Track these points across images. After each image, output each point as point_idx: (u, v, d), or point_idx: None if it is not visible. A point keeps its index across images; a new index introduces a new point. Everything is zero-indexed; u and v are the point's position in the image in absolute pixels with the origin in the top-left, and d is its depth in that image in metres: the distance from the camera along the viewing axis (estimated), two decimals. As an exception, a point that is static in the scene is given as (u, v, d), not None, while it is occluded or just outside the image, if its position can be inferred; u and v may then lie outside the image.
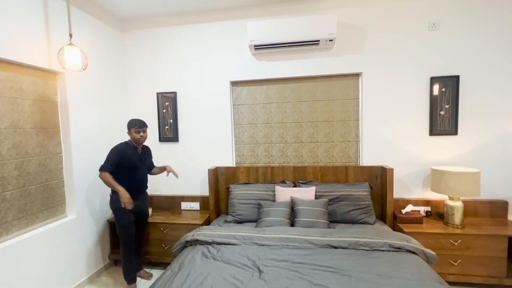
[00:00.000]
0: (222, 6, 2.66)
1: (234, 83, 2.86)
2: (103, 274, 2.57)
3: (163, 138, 2.95)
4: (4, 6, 1.75)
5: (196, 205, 2.89)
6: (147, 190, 2.48)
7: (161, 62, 2.90)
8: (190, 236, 2.05)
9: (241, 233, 2.03)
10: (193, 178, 2.93)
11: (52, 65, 2.07)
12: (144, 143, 2.37)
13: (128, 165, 2.21)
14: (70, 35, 1.97)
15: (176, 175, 2.48)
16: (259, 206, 2.49)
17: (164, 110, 2.92)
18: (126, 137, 2.95)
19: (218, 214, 2.80)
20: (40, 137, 2.07)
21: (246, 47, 2.70)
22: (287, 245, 1.89)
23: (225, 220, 2.56)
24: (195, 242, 2.02)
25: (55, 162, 2.20)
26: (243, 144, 2.90)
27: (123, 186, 2.12)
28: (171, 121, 2.92)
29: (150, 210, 2.73)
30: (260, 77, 2.74)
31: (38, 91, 2.05)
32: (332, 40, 2.44)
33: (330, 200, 2.43)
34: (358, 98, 2.67)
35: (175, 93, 2.88)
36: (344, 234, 1.93)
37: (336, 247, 1.82)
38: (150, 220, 2.59)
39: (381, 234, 1.95)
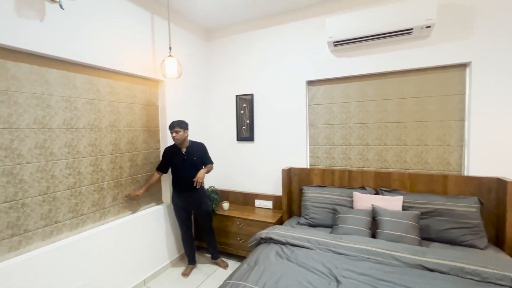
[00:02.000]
0: (300, 5, 2.63)
1: (310, 83, 2.79)
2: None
3: (240, 138, 3.14)
4: (124, 31, 2.18)
5: (269, 204, 2.96)
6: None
7: (240, 66, 3.09)
8: (264, 233, 2.11)
9: (315, 238, 1.96)
10: (267, 177, 3.00)
11: (156, 74, 2.47)
12: (200, 141, 2.59)
13: (172, 164, 2.44)
14: (170, 48, 2.31)
15: (196, 183, 2.38)
16: (335, 212, 2.35)
17: (241, 111, 3.10)
18: (205, 135, 3.25)
19: (290, 215, 2.78)
20: (145, 135, 2.50)
21: (323, 45, 2.60)
22: (368, 258, 1.72)
23: (298, 222, 2.52)
24: (269, 240, 2.06)
25: (154, 156, 2.61)
26: (318, 145, 2.79)
27: (172, 183, 2.49)
28: (248, 121, 3.07)
29: (227, 205, 2.94)
30: (339, 75, 2.58)
31: (145, 97, 2.48)
32: (429, 26, 2.09)
33: (422, 214, 2.08)
34: (464, 94, 2.20)
35: (252, 95, 3.02)
36: (442, 256, 1.62)
37: (431, 270, 1.54)
38: (227, 213, 2.79)
39: (498, 263, 1.55)
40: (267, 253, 1.87)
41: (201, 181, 2.38)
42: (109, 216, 2.17)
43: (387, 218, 2.07)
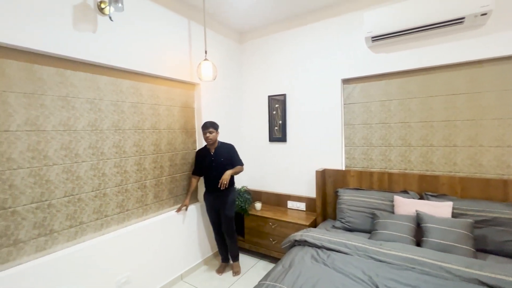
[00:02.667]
0: (333, 2, 2.54)
1: (345, 81, 2.68)
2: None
3: (272, 138, 3.13)
4: (164, 38, 2.30)
5: (302, 206, 2.90)
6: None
7: (272, 66, 3.08)
8: (298, 235, 2.07)
9: (353, 243, 1.87)
10: (299, 178, 2.95)
11: (192, 78, 2.57)
12: (229, 143, 2.57)
13: (202, 166, 2.50)
14: (206, 52, 2.39)
15: (220, 184, 2.34)
16: (373, 216, 2.23)
17: (274, 112, 3.09)
18: (238, 136, 3.30)
19: (324, 218, 2.70)
20: (183, 136, 2.61)
21: (359, 41, 2.48)
22: (413, 268, 1.59)
23: (333, 226, 2.44)
24: (304, 243, 2.02)
25: (192, 156, 2.72)
26: (355, 146, 2.67)
27: (204, 183, 2.54)
28: (280, 122, 3.05)
29: (259, 205, 2.95)
30: (378, 72, 2.44)
31: (182, 100, 2.60)
32: (485, 14, 1.87)
33: (476, 222, 1.88)
34: (529, 88, 1.94)
35: (284, 95, 2.99)
36: (504, 272, 1.44)
37: (491, 287, 1.38)
38: (260, 214, 2.80)
39: None
40: (302, 256, 1.83)
41: (225, 182, 2.33)
42: (150, 213, 2.30)
43: (434, 226, 1.90)
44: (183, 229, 2.52)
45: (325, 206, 2.72)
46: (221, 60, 2.97)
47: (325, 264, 1.71)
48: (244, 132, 3.37)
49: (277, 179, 3.13)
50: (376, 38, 2.30)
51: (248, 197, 2.96)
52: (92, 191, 1.88)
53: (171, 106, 2.47)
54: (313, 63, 2.79)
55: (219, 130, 2.46)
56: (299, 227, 2.52)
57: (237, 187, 3.02)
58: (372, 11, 2.23)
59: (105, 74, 1.93)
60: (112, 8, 1.74)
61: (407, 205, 2.16)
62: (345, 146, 2.73)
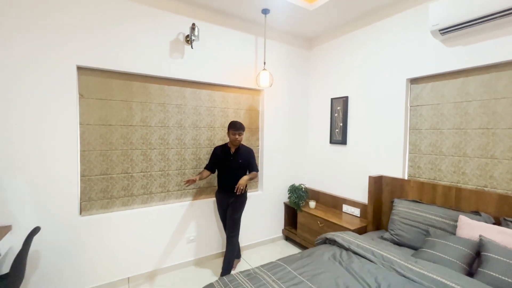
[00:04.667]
0: (402, -5, 2.35)
1: (413, 81, 2.41)
2: (277, 241, 3.30)
3: (333, 141, 3.16)
4: (234, 54, 2.85)
5: (356, 211, 2.82)
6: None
7: (335, 69, 3.11)
8: (330, 234, 2.14)
9: (381, 252, 1.79)
10: (357, 182, 2.86)
11: (258, 85, 3.02)
12: (248, 146, 2.57)
13: (218, 163, 2.50)
14: (264, 63, 2.78)
15: (237, 189, 2.31)
16: (426, 233, 1.98)
17: (335, 114, 3.11)
18: (301, 137, 3.51)
19: (378, 227, 2.54)
20: (247, 134, 3.11)
21: (426, 36, 2.19)
22: (440, 293, 1.42)
23: (382, 236, 2.29)
24: (333, 242, 2.08)
25: (255, 150, 3.17)
26: (420, 153, 2.37)
27: (217, 180, 2.55)
28: (341, 124, 3.04)
29: (313, 204, 3.08)
30: (453, 68, 2.09)
31: (248, 104, 3.10)
32: None
33: None
34: None
35: (346, 97, 2.97)
36: None
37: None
38: (311, 212, 2.93)
39: None
40: (323, 251, 1.93)
41: (242, 188, 2.30)
42: (204, 194, 2.93)
43: (499, 258, 1.55)
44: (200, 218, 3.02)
45: (380, 216, 2.55)
46: (287, 66, 3.27)
47: (340, 263, 1.76)
48: (307, 134, 3.54)
49: (335, 182, 3.14)
50: (445, 31, 1.99)
51: (303, 194, 3.14)
52: (175, 169, 2.66)
53: (238, 109, 3.02)
54: (376, 64, 2.65)
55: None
56: (343, 230, 2.51)
57: (297, 184, 3.26)
58: (437, 1, 1.96)
59: (188, 86, 2.67)
60: (193, 38, 2.43)
61: (473, 228, 1.80)
62: (409, 153, 2.45)
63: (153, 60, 2.38)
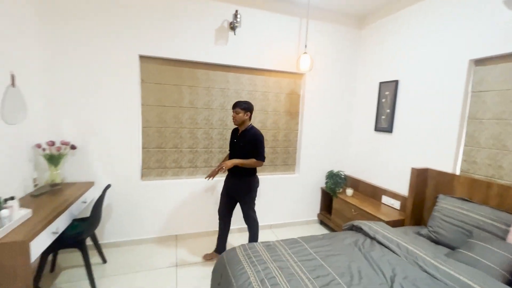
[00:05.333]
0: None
1: (477, 62, 2.07)
2: (311, 224, 3.38)
3: (378, 128, 2.97)
4: (276, 38, 2.88)
5: (396, 203, 2.66)
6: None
7: (387, 50, 2.84)
8: (357, 222, 2.13)
9: (407, 245, 1.73)
10: (400, 174, 2.67)
11: (299, 69, 3.01)
12: (260, 132, 2.26)
13: (229, 144, 2.42)
14: (305, 46, 2.74)
15: (218, 167, 2.18)
16: (469, 234, 1.80)
17: (383, 100, 2.89)
18: (344, 123, 3.41)
19: (418, 222, 2.38)
20: (287, 117, 3.18)
21: (499, 7, 1.82)
22: (464, 294, 1.33)
23: (418, 232, 2.16)
24: (359, 230, 2.07)
25: (293, 135, 3.24)
26: (479, 147, 2.07)
27: None
28: (388, 111, 2.82)
29: (350, 191, 3.01)
30: (532, 46, 1.73)
31: (289, 88, 3.13)
32: None
33: None
34: None
35: (396, 81, 2.72)
36: None
37: None
38: (347, 199, 2.89)
39: None
40: (345, 237, 1.96)
41: (224, 167, 2.13)
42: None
43: (553, 271, 1.34)
44: (280, 191, 3.18)
45: (420, 211, 2.38)
46: (333, 48, 3.13)
47: (359, 250, 1.77)
48: (351, 120, 3.39)
49: (376, 171, 2.99)
50: (524, 0, 1.64)
51: (341, 181, 3.10)
52: (218, 147, 2.94)
53: (278, 93, 3.09)
54: (433, 43, 2.34)
55: (249, 113, 2.24)
56: (376, 220, 2.43)
57: (336, 171, 3.23)
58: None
59: (231, 71, 2.85)
60: (236, 24, 2.57)
61: (529, 236, 1.57)
62: (465, 145, 2.17)
63: (200, 47, 2.62)
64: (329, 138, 3.32)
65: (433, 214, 2.12)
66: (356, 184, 3.23)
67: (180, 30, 2.54)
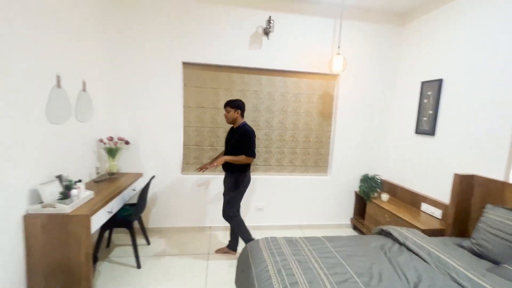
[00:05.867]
0: None
1: (537, 56, 1.83)
2: (344, 228, 3.30)
3: (419, 130, 2.78)
4: (309, 40, 2.92)
5: (437, 212, 2.46)
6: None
7: (430, 47, 2.65)
8: (386, 226, 2.05)
9: (440, 254, 1.62)
10: (441, 180, 2.47)
11: (332, 70, 2.99)
12: (251, 129, 2.36)
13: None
14: (338, 47, 2.72)
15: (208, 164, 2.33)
16: (518, 250, 1.61)
17: (425, 100, 2.70)
18: (382, 124, 3.29)
19: (461, 234, 2.18)
20: (319, 119, 3.18)
21: None
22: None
23: (459, 244, 1.98)
24: (389, 235, 2.00)
25: (325, 136, 3.22)
26: (537, 152, 1.82)
27: None
28: (430, 112, 2.62)
29: (385, 196, 2.87)
30: None
31: (322, 89, 3.13)
32: None
33: None
34: None
35: (440, 80, 2.52)
36: None
37: None
38: (381, 204, 2.76)
39: None
40: (371, 240, 1.92)
41: (216, 164, 2.25)
42: (285, 172, 3.21)
43: None
44: (304, 192, 3.20)
45: (464, 221, 2.17)
46: (369, 48, 3.04)
47: (384, 254, 1.72)
48: (388, 122, 3.22)
49: (416, 176, 2.79)
50: None
51: (375, 185, 2.97)
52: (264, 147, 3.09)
53: (311, 95, 3.11)
54: (486, 37, 2.12)
55: (240, 110, 2.35)
56: (411, 227, 2.28)
57: (371, 174, 3.12)
58: None
59: (264, 74, 2.99)
60: (270, 29, 2.70)
61: None
62: (521, 150, 1.92)
63: (236, 53, 2.82)
64: (363, 140, 3.21)
65: (478, 225, 1.93)
66: (394, 189, 3.06)
67: (219, 38, 2.77)
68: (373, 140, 3.24)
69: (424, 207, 2.62)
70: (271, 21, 2.68)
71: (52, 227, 1.63)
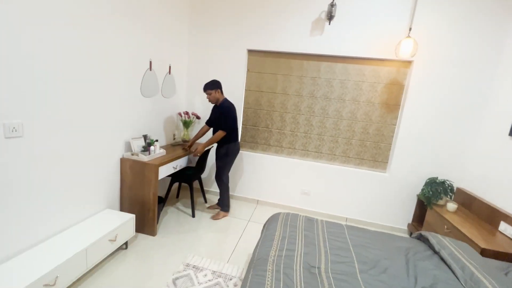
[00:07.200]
0: None
1: None
2: (399, 233, 3.00)
3: (514, 132, 2.20)
4: (379, 24, 2.67)
5: (517, 235, 1.96)
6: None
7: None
8: (427, 232, 1.83)
9: (477, 273, 1.39)
10: (533, 198, 1.92)
11: (399, 55, 2.66)
12: (231, 104, 2.70)
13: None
14: (410, 29, 2.39)
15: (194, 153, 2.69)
16: None
17: (530, 94, 2.09)
18: (463, 122, 2.83)
19: (544, 267, 1.70)
20: (382, 110, 2.91)
21: None
22: None
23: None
24: (426, 241, 1.79)
25: (388, 130, 2.94)
26: None
27: None
28: (534, 109, 2.02)
29: (452, 206, 2.44)
30: None
31: (390, 77, 2.83)
32: None
33: None
34: None
35: (556, 67, 1.90)
36: None
37: None
38: (443, 213, 2.39)
39: None
40: (401, 241, 1.79)
41: (198, 154, 2.68)
42: (337, 162, 3.15)
43: None
44: (355, 185, 3.06)
45: (551, 252, 1.67)
46: (457, 30, 2.52)
47: (405, 255, 1.60)
48: (471, 119, 2.63)
49: (502, 188, 2.25)
50: None
51: (441, 191, 2.56)
52: (303, 132, 3.18)
53: (375, 83, 2.88)
54: None
55: (219, 89, 2.64)
56: (470, 243, 1.93)
57: (440, 178, 2.72)
58: None
59: (324, 60, 2.96)
60: (333, 14, 2.65)
61: None
62: None
63: (297, 39, 2.91)
64: (435, 138, 2.76)
65: None
66: (469, 200, 2.54)
67: (281, 26, 2.93)
68: (448, 139, 2.73)
69: (503, 226, 2.11)
70: (334, 5, 2.61)
71: (135, 169, 2.30)
